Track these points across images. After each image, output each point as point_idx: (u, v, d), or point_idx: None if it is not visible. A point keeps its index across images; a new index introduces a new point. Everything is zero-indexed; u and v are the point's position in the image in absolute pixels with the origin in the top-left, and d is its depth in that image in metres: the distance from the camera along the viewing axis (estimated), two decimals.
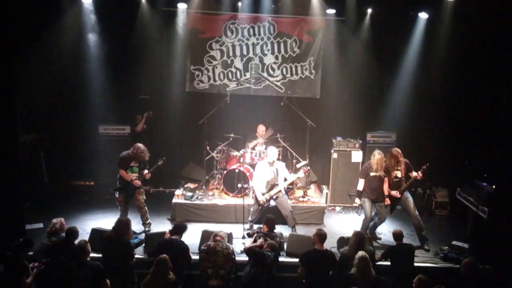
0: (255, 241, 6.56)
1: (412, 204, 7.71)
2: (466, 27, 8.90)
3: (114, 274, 5.80)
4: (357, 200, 8.00)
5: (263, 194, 7.94)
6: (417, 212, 7.73)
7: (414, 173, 7.60)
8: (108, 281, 5.67)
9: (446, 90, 9.45)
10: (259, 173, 8.01)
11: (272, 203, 8.06)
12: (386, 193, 7.71)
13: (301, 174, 8.23)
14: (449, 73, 9.34)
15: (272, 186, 7.96)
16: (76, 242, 6.03)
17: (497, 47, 8.58)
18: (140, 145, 7.79)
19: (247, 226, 8.03)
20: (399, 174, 7.69)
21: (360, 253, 5.69)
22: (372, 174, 7.70)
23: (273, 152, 8.02)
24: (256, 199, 8.00)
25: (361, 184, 7.80)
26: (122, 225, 6.20)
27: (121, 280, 5.86)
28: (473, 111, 9.21)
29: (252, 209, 8.12)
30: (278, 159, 8.40)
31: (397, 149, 7.81)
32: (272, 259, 6.14)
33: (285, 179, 8.05)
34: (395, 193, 7.66)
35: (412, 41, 9.51)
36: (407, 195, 7.74)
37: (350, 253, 6.09)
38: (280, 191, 7.94)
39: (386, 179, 7.73)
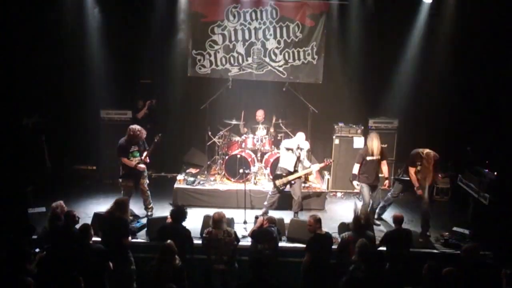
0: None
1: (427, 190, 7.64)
2: (471, 10, 8.80)
3: (110, 253, 5.76)
4: (355, 183, 8.01)
5: (281, 177, 7.91)
6: (428, 199, 7.61)
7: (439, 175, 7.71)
8: (111, 263, 5.68)
9: (449, 75, 9.37)
10: (287, 151, 7.93)
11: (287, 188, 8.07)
12: (415, 183, 7.48)
13: (316, 167, 8.26)
14: (452, 59, 9.26)
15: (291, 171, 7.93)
16: (77, 225, 6.05)
17: (503, 31, 8.50)
18: (133, 126, 7.67)
19: (260, 212, 8.01)
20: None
21: (360, 240, 5.71)
22: (369, 158, 7.73)
23: (301, 137, 7.99)
24: (274, 181, 7.96)
25: (356, 168, 7.86)
26: (122, 204, 6.19)
27: (115, 259, 5.81)
28: (476, 97, 9.16)
29: (270, 193, 8.09)
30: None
31: (435, 153, 7.43)
32: (276, 232, 6.25)
33: (304, 167, 8.02)
34: (420, 192, 7.49)
35: (415, 25, 9.40)
36: None
37: (350, 237, 6.11)
38: (300, 177, 7.96)
39: (385, 161, 7.80)
